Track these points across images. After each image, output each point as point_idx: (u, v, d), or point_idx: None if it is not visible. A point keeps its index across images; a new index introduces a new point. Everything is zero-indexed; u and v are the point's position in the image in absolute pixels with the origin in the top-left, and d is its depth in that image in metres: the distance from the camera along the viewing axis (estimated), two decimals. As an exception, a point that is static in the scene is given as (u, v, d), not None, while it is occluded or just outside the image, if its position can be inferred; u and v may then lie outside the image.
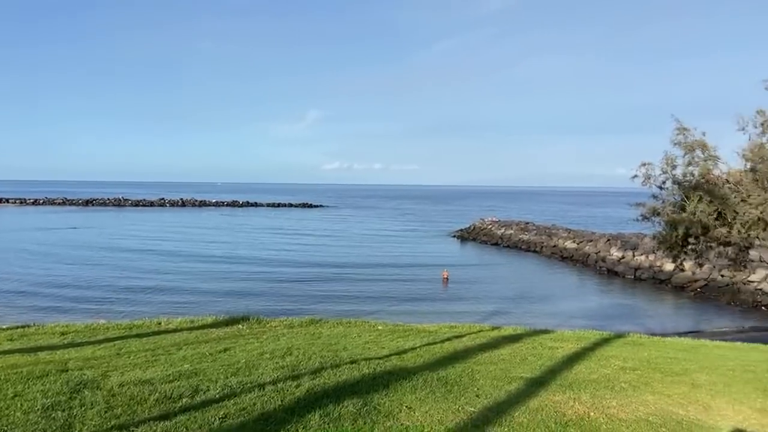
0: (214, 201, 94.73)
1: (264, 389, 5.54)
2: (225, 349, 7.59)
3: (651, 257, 27.96)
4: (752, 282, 22.65)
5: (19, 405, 4.96)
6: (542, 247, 37.70)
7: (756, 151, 8.57)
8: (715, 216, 8.99)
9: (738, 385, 6.61)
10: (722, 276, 23.80)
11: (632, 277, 27.88)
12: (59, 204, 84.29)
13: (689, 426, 5.12)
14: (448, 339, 8.91)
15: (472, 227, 49.40)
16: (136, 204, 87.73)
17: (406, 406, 5.20)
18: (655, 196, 9.83)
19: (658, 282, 26.33)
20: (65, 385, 5.53)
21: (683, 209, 9.28)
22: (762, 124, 8.54)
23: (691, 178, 9.32)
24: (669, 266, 25.82)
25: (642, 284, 26.66)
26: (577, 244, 35.01)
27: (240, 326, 9.71)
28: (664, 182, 9.65)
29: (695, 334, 14.82)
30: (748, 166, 8.81)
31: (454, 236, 48.10)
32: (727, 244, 9.13)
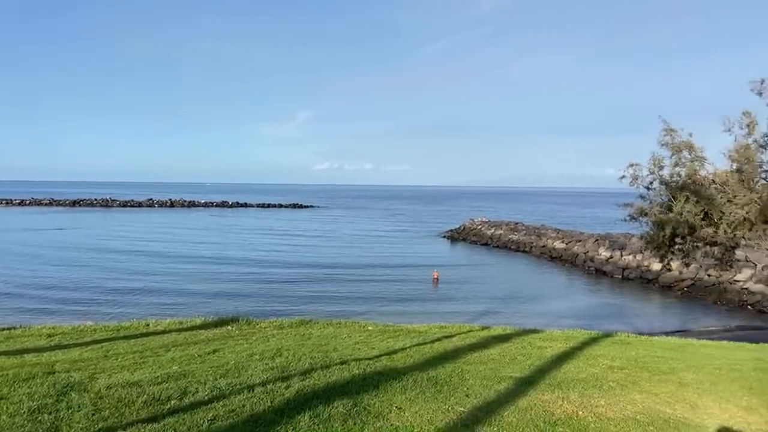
0: (203, 201, 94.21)
1: (253, 391, 5.52)
2: (214, 351, 7.55)
3: (638, 257, 28.22)
4: (738, 281, 22.90)
5: (4, 408, 4.90)
6: (531, 247, 37.92)
7: (742, 152, 8.66)
8: (701, 216, 9.07)
9: (724, 383, 6.68)
10: (709, 275, 24.05)
11: (620, 276, 28.11)
12: (46, 204, 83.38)
13: (676, 424, 5.17)
14: (438, 339, 8.92)
15: (462, 227, 49.55)
16: (124, 204, 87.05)
17: (396, 407, 5.21)
18: (642, 197, 9.90)
19: (646, 281, 26.57)
20: (52, 388, 5.48)
21: (670, 209, 9.36)
22: (748, 125, 8.64)
23: (678, 178, 9.40)
24: (656, 266, 26.11)
25: (630, 284, 26.88)
26: (566, 244, 35.25)
27: (229, 327, 9.67)
28: (651, 183, 9.72)
29: (682, 333, 14.96)
30: (734, 167, 8.90)
31: (444, 237, 48.22)
32: (714, 243, 9.22)
